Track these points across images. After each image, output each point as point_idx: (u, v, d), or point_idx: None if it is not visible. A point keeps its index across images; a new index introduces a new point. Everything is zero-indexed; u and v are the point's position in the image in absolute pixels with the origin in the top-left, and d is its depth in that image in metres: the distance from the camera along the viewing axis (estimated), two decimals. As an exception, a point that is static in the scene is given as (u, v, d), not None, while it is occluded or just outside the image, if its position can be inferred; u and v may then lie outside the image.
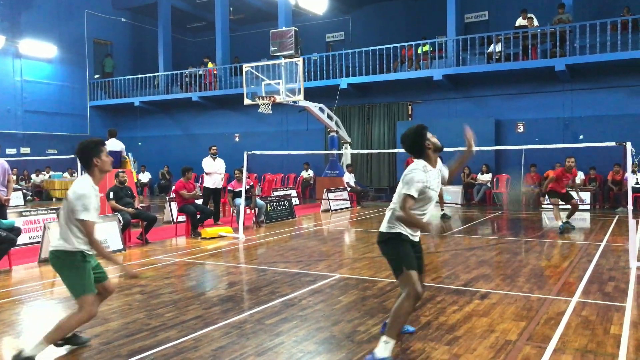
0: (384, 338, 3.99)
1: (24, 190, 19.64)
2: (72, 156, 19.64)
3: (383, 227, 4.25)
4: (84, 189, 4.18)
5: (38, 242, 9.02)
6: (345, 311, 5.42)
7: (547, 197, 11.96)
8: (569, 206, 11.11)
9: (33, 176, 21.41)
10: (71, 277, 4.26)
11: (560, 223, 10.94)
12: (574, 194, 11.59)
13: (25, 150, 21.56)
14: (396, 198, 4.17)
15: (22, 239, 8.64)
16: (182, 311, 5.49)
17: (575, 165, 11.19)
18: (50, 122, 22.65)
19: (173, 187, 12.78)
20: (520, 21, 16.99)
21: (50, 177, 21.49)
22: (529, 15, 16.79)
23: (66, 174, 21.89)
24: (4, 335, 4.93)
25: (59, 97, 23.05)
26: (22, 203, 18.20)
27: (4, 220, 7.96)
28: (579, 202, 11.73)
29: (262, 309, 5.52)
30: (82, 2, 23.41)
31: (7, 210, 8.98)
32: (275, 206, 13.39)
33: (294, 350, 4.34)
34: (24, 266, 8.03)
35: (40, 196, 20.87)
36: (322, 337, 4.65)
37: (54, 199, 20.59)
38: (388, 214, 4.26)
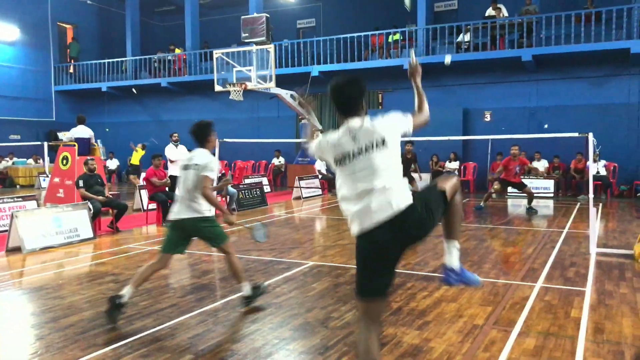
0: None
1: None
2: (37, 142, 19.05)
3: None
4: (209, 156, 5.16)
5: (4, 231, 8.88)
6: (318, 298, 5.54)
7: (494, 185, 12.50)
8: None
9: (-4, 162, 20.85)
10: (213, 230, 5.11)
11: (482, 204, 12.15)
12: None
13: (-13, 135, 20.97)
14: None
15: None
16: (157, 299, 5.53)
17: (521, 154, 11.80)
18: (13, 107, 22.02)
19: (143, 175, 12.66)
20: (490, 11, 17.26)
21: (13, 163, 20.96)
22: (498, 5, 17.07)
23: (30, 160, 21.40)
24: (-25, 326, 4.89)
25: (22, 81, 22.41)
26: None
27: (-30, 209, 7.80)
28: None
29: (237, 296, 5.58)
30: (46, -18, 22.76)
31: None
32: (246, 194, 13.42)
33: (269, 337, 4.44)
34: (-10, 256, 7.90)
35: (3, 183, 20.36)
36: (297, 324, 4.76)
37: (17, 186, 20.13)
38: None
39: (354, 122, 3.09)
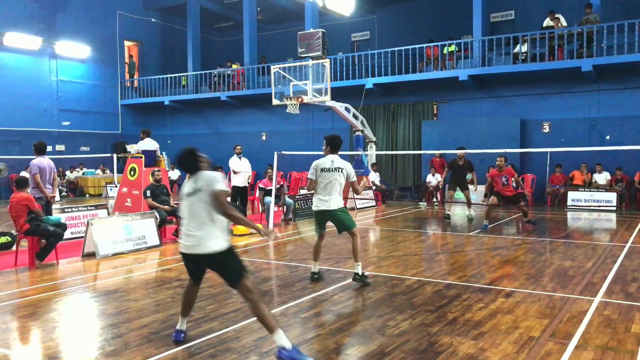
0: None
1: (60, 187, 20.35)
2: (105, 154, 20.14)
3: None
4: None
5: (79, 238, 9.53)
6: (375, 307, 5.72)
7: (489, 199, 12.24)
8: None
9: (67, 173, 22.14)
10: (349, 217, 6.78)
11: (485, 222, 11.66)
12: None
13: (60, 147, 22.30)
14: None
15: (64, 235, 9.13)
16: (222, 304, 5.85)
17: (507, 165, 11.55)
18: (84, 121, 23.40)
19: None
20: (547, 22, 16.99)
21: (83, 173, 22.22)
22: (556, 15, 16.79)
23: (98, 171, 22.62)
24: (53, 324, 5.34)
25: (91, 96, 23.78)
26: (59, 199, 18.88)
27: (51, 217, 8.44)
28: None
29: (297, 303, 5.85)
30: (114, 3, 24.09)
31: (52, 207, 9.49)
32: (302, 204, 13.73)
33: (328, 342, 4.66)
34: (66, 260, 8.49)
35: (74, 192, 21.59)
36: (355, 331, 4.96)
37: (87, 195, 21.30)
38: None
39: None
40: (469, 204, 13.10)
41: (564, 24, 16.66)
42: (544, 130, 17.24)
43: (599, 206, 14.81)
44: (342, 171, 6.55)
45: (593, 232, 11.48)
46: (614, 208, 14.64)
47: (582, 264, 7.84)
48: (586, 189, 15.41)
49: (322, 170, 6.57)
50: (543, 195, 16.74)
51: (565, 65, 15.84)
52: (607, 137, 16.07)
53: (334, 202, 6.56)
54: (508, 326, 5.02)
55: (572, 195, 15.38)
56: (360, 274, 6.57)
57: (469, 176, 13.19)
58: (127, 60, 25.31)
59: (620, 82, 16.07)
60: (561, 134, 16.74)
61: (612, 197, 14.84)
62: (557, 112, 17.00)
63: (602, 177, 15.60)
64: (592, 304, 5.71)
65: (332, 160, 6.60)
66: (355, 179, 6.65)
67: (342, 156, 20.41)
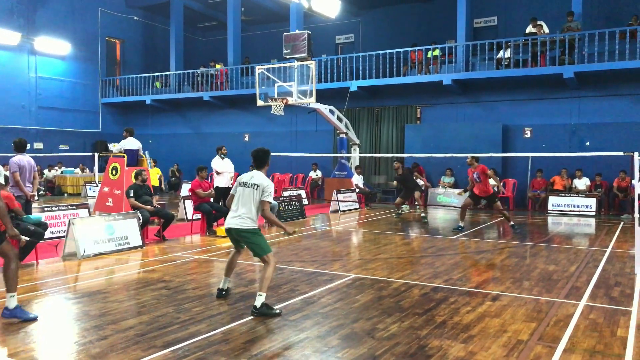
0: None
1: (38, 186, 19.96)
2: (84, 153, 19.84)
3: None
4: (268, 180, 5.83)
5: (60, 237, 9.34)
6: (363, 309, 5.69)
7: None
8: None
9: (45, 171, 21.70)
10: (259, 241, 5.79)
11: (460, 224, 11.90)
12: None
13: (39, 145, 21.89)
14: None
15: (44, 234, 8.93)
16: (208, 306, 5.77)
17: (478, 165, 11.54)
18: (63, 119, 23.00)
19: (188, 186, 13.05)
20: (530, 28, 17.21)
21: (62, 172, 21.81)
22: (538, 22, 17.01)
23: (77, 170, 22.24)
24: (33, 326, 5.20)
25: (71, 93, 23.40)
26: (36, 198, 18.51)
27: (31, 216, 8.26)
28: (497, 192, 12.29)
29: (284, 305, 5.80)
30: (96, 0, 23.74)
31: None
32: (286, 206, 13.67)
33: (318, 345, 4.62)
34: (46, 260, 8.30)
35: (52, 191, 21.20)
36: (344, 334, 4.92)
37: (65, 194, 20.92)
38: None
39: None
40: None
41: (546, 30, 16.90)
42: (526, 136, 17.45)
43: (579, 211, 15.02)
44: (257, 188, 5.68)
45: (574, 236, 11.63)
46: (594, 213, 14.86)
47: (566, 268, 7.93)
48: (566, 194, 15.63)
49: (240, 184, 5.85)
50: (524, 199, 16.93)
51: (547, 72, 16.06)
52: (587, 144, 16.32)
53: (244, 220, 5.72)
54: (496, 329, 5.04)
55: (552, 200, 15.59)
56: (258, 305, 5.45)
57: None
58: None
59: (600, 90, 16.35)
60: (542, 140, 16.95)
61: (592, 202, 15.07)
62: (539, 117, 17.23)
63: (582, 183, 15.83)
64: (577, 308, 5.77)
65: (252, 175, 5.81)
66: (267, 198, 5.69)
67: (325, 158, 20.36)
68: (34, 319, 5.24)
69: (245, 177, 5.86)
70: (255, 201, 5.68)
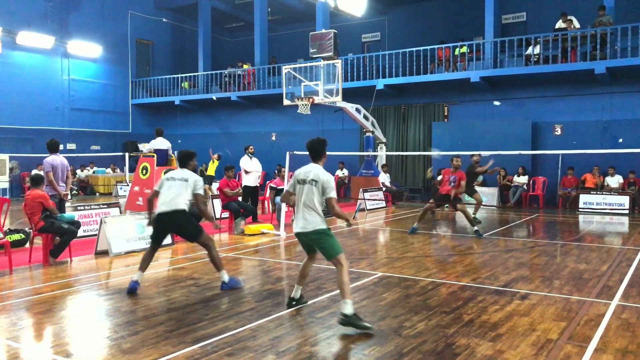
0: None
1: (71, 185, 20.47)
2: (115, 153, 20.25)
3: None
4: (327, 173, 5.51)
5: (92, 235, 9.57)
6: (390, 307, 5.69)
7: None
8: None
9: (78, 171, 22.25)
10: (331, 242, 5.31)
11: (415, 224, 11.23)
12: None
13: (71, 146, 22.44)
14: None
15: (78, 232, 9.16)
16: (236, 303, 5.85)
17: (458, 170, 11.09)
18: (94, 120, 23.53)
19: (216, 185, 13.22)
20: (560, 23, 16.91)
21: (94, 172, 22.33)
22: (568, 17, 16.70)
23: (109, 170, 22.73)
24: (67, 321, 5.36)
25: (103, 95, 23.92)
26: (70, 197, 18.99)
27: (65, 214, 8.48)
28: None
29: (311, 303, 5.84)
30: (126, 3, 24.24)
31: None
32: (313, 205, 13.70)
33: (345, 342, 4.65)
34: (79, 258, 8.52)
35: (84, 191, 21.71)
36: (371, 331, 4.93)
37: (97, 194, 21.40)
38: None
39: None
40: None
41: (577, 25, 16.57)
42: (556, 133, 17.15)
43: (611, 209, 14.70)
44: (316, 184, 5.29)
45: (606, 235, 11.39)
46: (627, 212, 14.52)
47: (597, 267, 7.78)
48: (598, 192, 15.30)
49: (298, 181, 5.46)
50: (554, 198, 16.64)
51: (577, 68, 15.74)
52: (620, 140, 15.95)
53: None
54: (525, 328, 4.98)
55: (583, 198, 15.28)
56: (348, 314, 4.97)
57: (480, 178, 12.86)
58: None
59: (633, 85, 15.96)
60: (573, 137, 16.64)
61: (625, 200, 14.72)
62: (569, 114, 16.91)
63: (614, 181, 15.49)
64: (609, 307, 5.66)
65: (309, 170, 5.43)
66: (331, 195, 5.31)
67: (351, 157, 20.38)
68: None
69: (301, 173, 5.41)
70: (317, 198, 5.27)
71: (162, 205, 6.35)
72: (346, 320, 4.88)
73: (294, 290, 5.71)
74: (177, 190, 6.36)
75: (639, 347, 4.50)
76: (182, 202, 6.34)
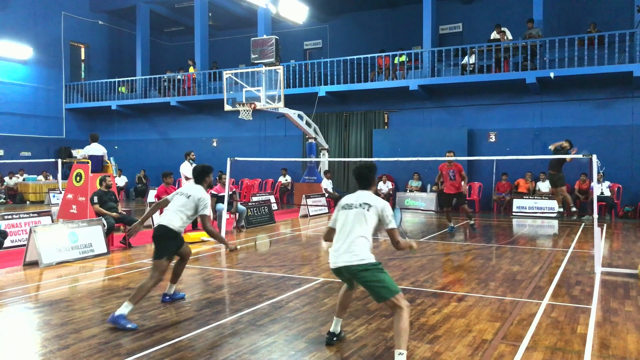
0: None
1: (-2, 193, 19.41)
2: (47, 160, 19.27)
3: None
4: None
5: (20, 246, 9.10)
6: (331, 312, 5.69)
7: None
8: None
9: (6, 179, 21.13)
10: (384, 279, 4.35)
11: (451, 224, 12.01)
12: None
13: (-1, 152, 21.31)
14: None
15: (4, 243, 8.68)
16: (175, 313, 5.70)
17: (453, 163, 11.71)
18: (25, 125, 22.41)
19: (154, 192, 12.88)
20: (494, 34, 17.59)
21: (24, 179, 21.25)
22: (502, 29, 17.41)
23: (41, 177, 21.69)
24: None
25: (34, 99, 22.82)
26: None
27: (-10, 224, 8.02)
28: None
29: (252, 310, 5.77)
30: (59, 3, 23.27)
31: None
32: (255, 211, 13.61)
33: (285, 349, 4.61)
34: (6, 270, 8.07)
35: (13, 199, 20.63)
36: (312, 337, 4.92)
37: (28, 202, 20.39)
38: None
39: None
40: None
41: (510, 37, 17.29)
42: (491, 140, 17.79)
43: (543, 213, 15.39)
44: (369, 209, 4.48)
45: (538, 238, 11.90)
46: (556, 215, 15.22)
47: (529, 268, 8.10)
48: (530, 197, 15.98)
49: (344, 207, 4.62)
50: (489, 202, 17.25)
51: (510, 77, 16.42)
52: (550, 147, 16.70)
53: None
54: (462, 330, 5.11)
55: (517, 202, 15.93)
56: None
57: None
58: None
59: (562, 95, 16.81)
60: (507, 144, 17.32)
61: (555, 204, 15.40)
62: (503, 122, 17.60)
63: (545, 185, 16.21)
64: (540, 307, 5.90)
65: (358, 196, 4.61)
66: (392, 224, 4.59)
67: (294, 163, 20.36)
68: None
69: (348, 199, 4.61)
70: (369, 225, 4.45)
71: (161, 217, 5.92)
72: None
73: (333, 324, 4.79)
74: (176, 204, 5.80)
75: (566, 344, 4.71)
76: (176, 219, 5.71)
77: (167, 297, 6.25)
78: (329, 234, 4.67)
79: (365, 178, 4.63)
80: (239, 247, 6.53)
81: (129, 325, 5.13)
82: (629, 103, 16.00)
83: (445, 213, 12.32)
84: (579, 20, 18.04)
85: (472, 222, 12.12)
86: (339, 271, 4.44)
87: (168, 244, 5.68)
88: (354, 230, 4.38)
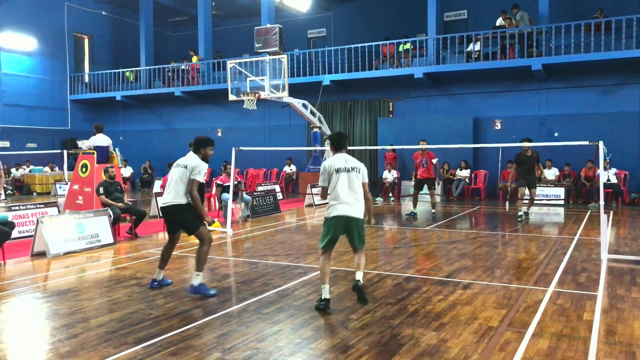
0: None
1: (5, 185, 19.47)
2: (53, 151, 19.36)
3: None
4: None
5: (28, 237, 9.16)
6: (336, 301, 5.72)
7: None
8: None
9: (13, 170, 21.22)
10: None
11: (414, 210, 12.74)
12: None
13: (5, 144, 21.37)
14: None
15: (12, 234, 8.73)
16: (182, 302, 5.73)
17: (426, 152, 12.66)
18: (30, 116, 22.48)
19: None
20: (500, 21, 17.45)
21: (30, 171, 21.35)
22: (508, 15, 17.25)
23: (46, 168, 21.78)
24: (0, 327, 5.11)
25: (38, 90, 22.88)
26: (4, 198, 18.07)
27: (-3, 215, 8.06)
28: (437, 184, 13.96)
29: (258, 299, 5.80)
30: (62, -6, 23.26)
31: (-2, 205, 9.07)
32: (260, 201, 13.63)
33: (292, 337, 4.63)
34: (14, 260, 8.14)
35: (20, 190, 20.74)
36: (318, 325, 4.94)
37: (34, 193, 20.49)
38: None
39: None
40: (531, 202, 12.24)
41: (527, 22, 17.05)
42: (496, 127, 17.71)
43: (548, 200, 15.34)
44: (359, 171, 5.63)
45: (543, 225, 11.86)
46: (562, 202, 15.19)
47: (535, 256, 8.09)
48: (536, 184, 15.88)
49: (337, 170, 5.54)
50: (495, 190, 17.20)
51: (516, 64, 16.32)
52: (556, 134, 16.65)
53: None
54: (467, 317, 5.12)
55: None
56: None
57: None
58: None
59: (567, 81, 16.68)
60: (512, 131, 17.22)
61: (561, 191, 15.39)
62: (509, 109, 17.50)
63: (551, 173, 16.14)
64: (546, 294, 5.89)
65: (345, 159, 5.65)
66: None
67: (299, 153, 20.34)
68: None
69: (336, 163, 5.58)
70: (360, 185, 5.55)
71: (162, 197, 6.20)
72: None
73: (322, 291, 5.36)
74: (175, 177, 6.00)
75: (572, 331, 4.71)
76: (179, 192, 5.92)
77: (155, 283, 6.35)
78: (324, 192, 5.68)
79: (345, 142, 5.81)
80: (216, 220, 6.90)
81: (212, 292, 5.91)
82: (635, 89, 15.87)
83: (413, 196, 13.07)
84: (586, 6, 17.84)
85: (433, 211, 12.80)
86: (343, 219, 5.43)
87: (187, 216, 5.98)
88: (357, 190, 5.51)
